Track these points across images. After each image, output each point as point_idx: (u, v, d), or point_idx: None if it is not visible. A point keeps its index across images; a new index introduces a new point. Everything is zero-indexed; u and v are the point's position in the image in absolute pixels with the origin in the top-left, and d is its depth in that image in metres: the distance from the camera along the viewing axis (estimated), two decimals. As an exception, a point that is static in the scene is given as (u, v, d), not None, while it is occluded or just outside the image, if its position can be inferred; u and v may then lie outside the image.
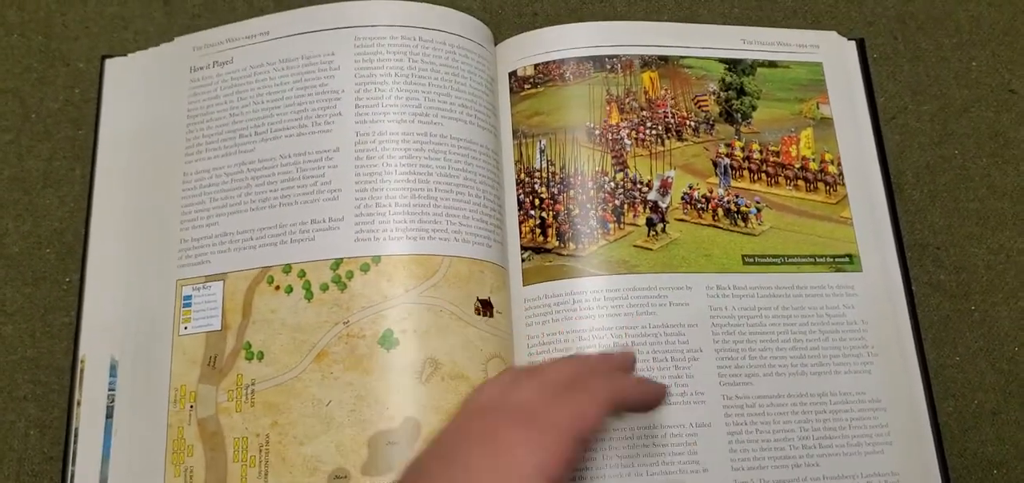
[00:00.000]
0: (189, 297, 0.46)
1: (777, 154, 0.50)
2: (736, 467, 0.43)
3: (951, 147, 0.52)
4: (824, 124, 0.51)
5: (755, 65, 0.51)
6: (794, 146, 0.50)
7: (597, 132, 0.50)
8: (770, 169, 0.50)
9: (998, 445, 0.47)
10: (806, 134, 0.51)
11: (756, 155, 0.50)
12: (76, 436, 0.44)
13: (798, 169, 0.50)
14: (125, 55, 0.51)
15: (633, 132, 0.50)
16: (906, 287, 0.48)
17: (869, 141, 0.51)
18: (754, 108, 0.51)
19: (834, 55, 0.52)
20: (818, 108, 0.51)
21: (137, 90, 0.51)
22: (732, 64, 0.51)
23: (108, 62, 0.51)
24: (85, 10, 0.54)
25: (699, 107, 0.50)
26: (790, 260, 0.47)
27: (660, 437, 0.43)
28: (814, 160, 0.50)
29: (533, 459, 0.31)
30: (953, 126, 0.52)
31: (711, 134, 0.50)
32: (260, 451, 0.43)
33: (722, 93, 0.51)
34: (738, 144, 0.50)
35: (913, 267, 0.49)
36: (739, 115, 0.51)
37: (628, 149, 0.49)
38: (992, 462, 0.46)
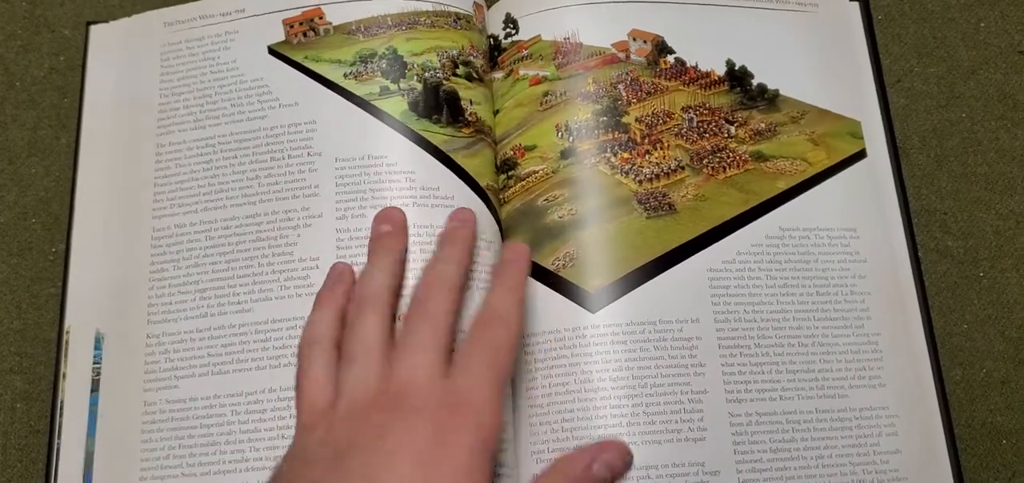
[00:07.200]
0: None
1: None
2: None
3: (959, 110, 0.51)
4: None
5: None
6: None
7: None
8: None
9: (1007, 414, 0.45)
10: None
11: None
12: (61, 409, 0.43)
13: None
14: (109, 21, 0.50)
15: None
16: (912, 254, 0.46)
17: (873, 105, 0.49)
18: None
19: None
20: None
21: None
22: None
23: (93, 28, 0.50)
24: (70, -24, 0.53)
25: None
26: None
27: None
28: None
29: None
30: (960, 89, 0.51)
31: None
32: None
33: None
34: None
35: (920, 233, 0.48)
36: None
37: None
38: (1001, 431, 0.45)
